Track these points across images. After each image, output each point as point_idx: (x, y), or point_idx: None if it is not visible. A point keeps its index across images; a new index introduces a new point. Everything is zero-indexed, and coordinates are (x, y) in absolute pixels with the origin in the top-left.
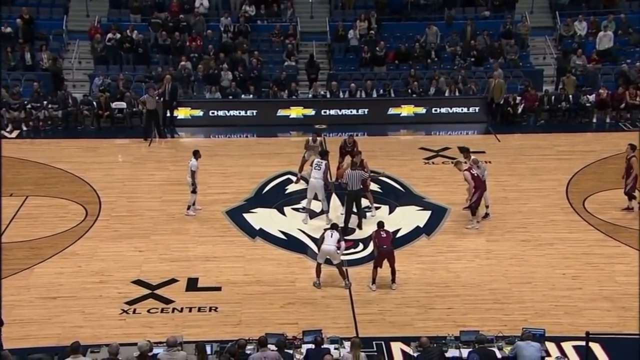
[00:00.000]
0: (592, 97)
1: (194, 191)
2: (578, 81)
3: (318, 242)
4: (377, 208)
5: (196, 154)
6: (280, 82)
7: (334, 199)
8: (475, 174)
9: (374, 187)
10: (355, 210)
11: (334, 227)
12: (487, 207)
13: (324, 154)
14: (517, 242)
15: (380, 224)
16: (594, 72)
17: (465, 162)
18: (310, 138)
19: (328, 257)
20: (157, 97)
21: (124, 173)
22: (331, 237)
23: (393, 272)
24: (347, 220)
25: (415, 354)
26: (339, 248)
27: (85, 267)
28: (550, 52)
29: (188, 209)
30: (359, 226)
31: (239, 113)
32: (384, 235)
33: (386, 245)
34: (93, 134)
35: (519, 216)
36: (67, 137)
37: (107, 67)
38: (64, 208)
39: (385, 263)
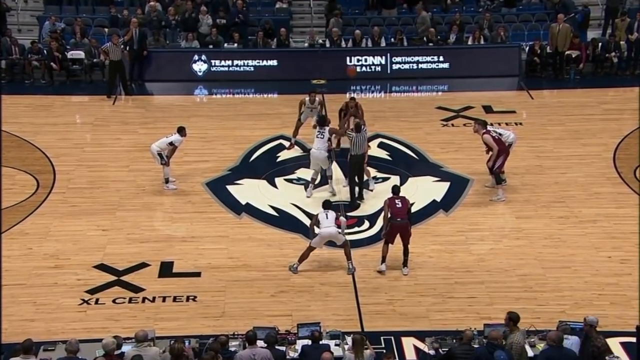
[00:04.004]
0: None
1: (167, 164)
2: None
3: (310, 224)
4: (384, 179)
5: (182, 131)
6: (267, 29)
7: (337, 170)
8: (497, 137)
9: (382, 154)
10: (357, 180)
11: (326, 206)
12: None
13: (323, 122)
14: (554, 219)
15: (396, 190)
16: None
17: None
18: (307, 97)
19: (330, 239)
20: (122, 46)
21: (82, 137)
22: (327, 218)
23: (406, 253)
24: (353, 192)
25: (437, 349)
26: (339, 226)
27: (37, 249)
28: None
29: (167, 182)
30: (360, 197)
31: (222, 64)
32: (399, 205)
33: (400, 218)
34: (44, 90)
35: (556, 188)
36: (13, 93)
37: (60, 7)
38: (10, 178)
39: (398, 239)
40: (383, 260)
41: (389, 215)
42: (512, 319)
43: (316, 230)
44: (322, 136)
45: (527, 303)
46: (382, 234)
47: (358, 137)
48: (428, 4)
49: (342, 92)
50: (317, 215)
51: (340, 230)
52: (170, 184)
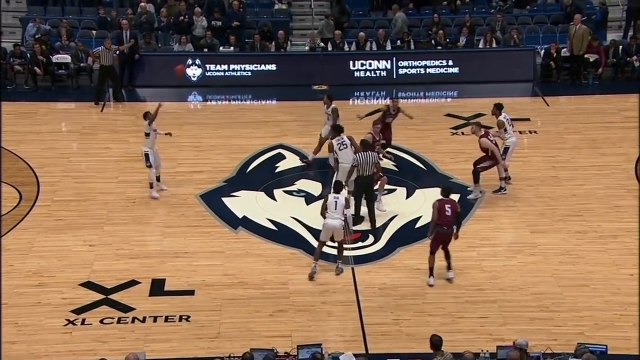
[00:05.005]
0: None
1: (151, 166)
2: None
3: (322, 208)
4: (390, 191)
5: (145, 117)
6: (266, 31)
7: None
8: (494, 141)
9: (388, 164)
10: (365, 201)
11: (337, 189)
12: (502, 179)
13: (341, 130)
14: (571, 234)
15: (446, 192)
16: None
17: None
18: (324, 102)
19: (333, 232)
20: (115, 51)
21: (69, 146)
22: (336, 208)
23: (448, 257)
24: (358, 211)
25: None
26: (346, 221)
27: (19, 267)
28: None
29: (151, 188)
30: (372, 225)
31: (217, 69)
32: (449, 212)
33: (448, 227)
34: (28, 96)
35: (574, 201)
36: None
37: (45, 8)
38: None
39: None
40: (431, 273)
41: (439, 222)
42: (433, 343)
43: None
44: (345, 146)
45: (544, 324)
46: (429, 235)
47: (367, 156)
48: (435, 5)
49: (345, 98)
50: (327, 198)
51: (343, 224)
52: (153, 192)
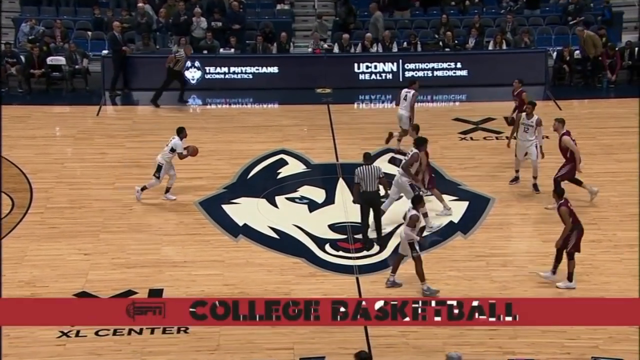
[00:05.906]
0: None
1: (159, 178)
2: None
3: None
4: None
5: (180, 132)
6: (268, 32)
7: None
8: (575, 142)
9: (393, 170)
10: (373, 219)
11: (416, 201)
12: (517, 171)
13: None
14: (585, 243)
15: (562, 192)
16: None
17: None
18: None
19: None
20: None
21: (63, 151)
22: (405, 220)
23: (560, 260)
24: (365, 231)
25: None
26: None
27: (11, 276)
28: None
29: (141, 189)
30: (379, 242)
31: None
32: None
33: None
34: (21, 99)
35: (587, 209)
36: None
37: (39, 8)
38: None
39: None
40: (570, 276)
41: (575, 222)
42: (361, 357)
43: None
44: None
45: (556, 336)
46: (569, 248)
47: (369, 169)
48: (443, 5)
49: (349, 102)
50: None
51: (406, 239)
52: (139, 194)
